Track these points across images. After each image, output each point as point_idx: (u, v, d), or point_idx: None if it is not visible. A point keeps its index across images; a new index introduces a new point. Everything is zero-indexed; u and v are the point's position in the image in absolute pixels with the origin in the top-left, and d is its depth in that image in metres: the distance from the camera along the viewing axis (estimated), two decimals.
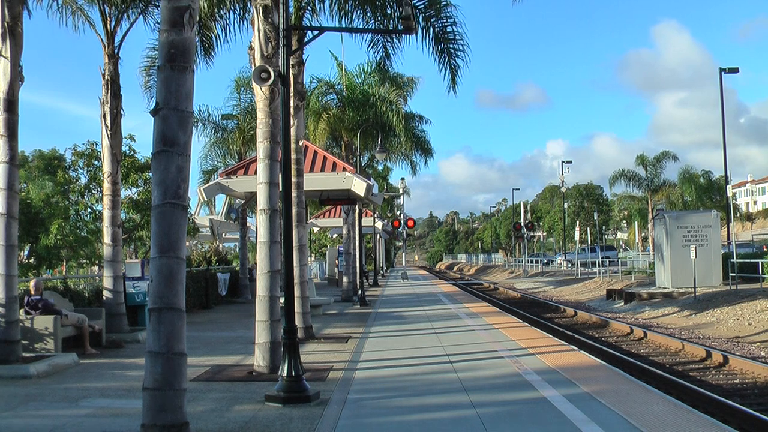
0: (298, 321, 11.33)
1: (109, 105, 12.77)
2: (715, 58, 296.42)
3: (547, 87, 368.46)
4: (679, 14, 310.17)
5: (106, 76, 12.80)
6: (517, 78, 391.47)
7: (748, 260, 25.95)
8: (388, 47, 14.81)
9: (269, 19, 9.53)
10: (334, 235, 50.67)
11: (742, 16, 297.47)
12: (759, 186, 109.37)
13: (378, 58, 15.12)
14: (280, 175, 8.67)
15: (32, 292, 10.75)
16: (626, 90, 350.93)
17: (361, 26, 14.14)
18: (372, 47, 14.86)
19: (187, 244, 19.30)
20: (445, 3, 13.89)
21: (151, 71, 14.83)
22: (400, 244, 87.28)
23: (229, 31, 13.68)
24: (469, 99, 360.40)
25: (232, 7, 13.41)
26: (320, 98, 25.99)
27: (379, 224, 42.99)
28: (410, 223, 48.60)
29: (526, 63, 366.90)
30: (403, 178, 54.43)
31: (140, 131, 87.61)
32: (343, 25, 13.92)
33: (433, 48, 14.03)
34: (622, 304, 26.19)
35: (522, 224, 62.89)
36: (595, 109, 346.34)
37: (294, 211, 9.43)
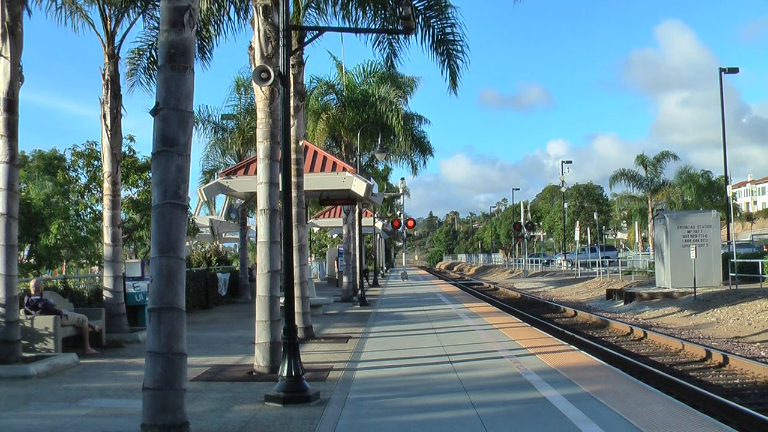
0: (298, 321, 11.33)
1: (109, 105, 12.77)
2: (719, 58, 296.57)
3: (551, 87, 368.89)
4: (683, 14, 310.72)
5: (106, 76, 12.80)
6: (521, 78, 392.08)
7: (748, 260, 25.94)
8: (394, 44, 14.85)
9: (269, 19, 9.53)
10: (334, 235, 50.65)
11: (746, 15, 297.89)
12: (759, 186, 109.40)
13: (384, 56, 15.18)
14: (280, 175, 8.66)
15: (32, 292, 10.74)
16: (629, 90, 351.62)
17: (364, 26, 14.16)
18: (378, 45, 14.93)
19: (187, 244, 19.31)
20: (445, 4, 13.92)
21: (135, 62, 14.79)
22: (400, 244, 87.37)
23: (228, 30, 13.72)
24: (471, 98, 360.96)
25: (232, 6, 13.43)
26: (320, 98, 26.01)
27: (379, 224, 42.97)
28: (410, 223, 48.62)
29: (530, 63, 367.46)
30: (403, 178, 54.59)
31: (140, 131, 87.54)
32: (345, 25, 13.93)
33: (433, 48, 14.06)
34: (622, 304, 26.18)
35: (522, 224, 62.87)
36: (597, 109, 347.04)
37: (294, 211, 9.44)
